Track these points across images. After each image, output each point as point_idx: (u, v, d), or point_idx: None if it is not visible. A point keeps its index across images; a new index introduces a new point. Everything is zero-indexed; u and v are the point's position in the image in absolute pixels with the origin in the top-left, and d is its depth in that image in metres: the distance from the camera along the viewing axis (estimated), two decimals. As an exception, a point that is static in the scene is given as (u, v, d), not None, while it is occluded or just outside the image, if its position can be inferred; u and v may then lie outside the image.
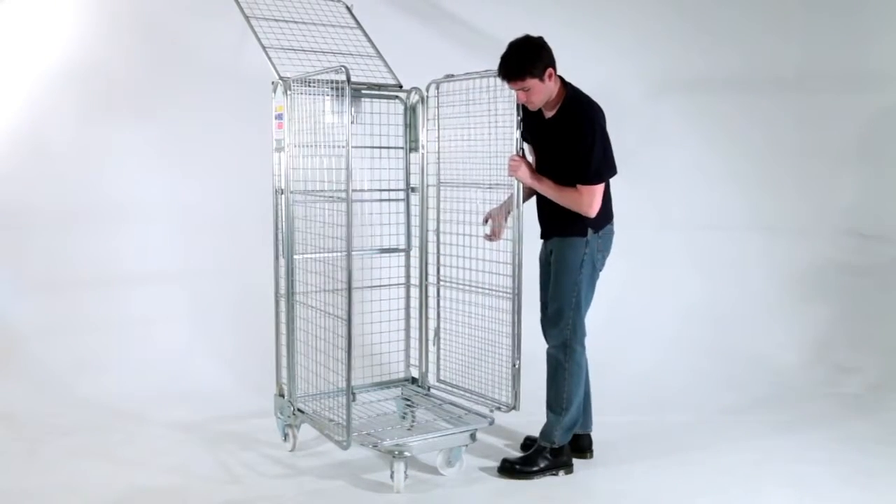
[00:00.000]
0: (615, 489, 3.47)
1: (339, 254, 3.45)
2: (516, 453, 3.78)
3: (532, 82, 3.35)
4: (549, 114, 3.51)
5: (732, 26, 5.49)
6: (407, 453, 3.38)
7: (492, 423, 3.68)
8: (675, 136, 5.50)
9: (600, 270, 3.61)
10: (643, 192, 5.28)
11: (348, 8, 4.09)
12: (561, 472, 3.57)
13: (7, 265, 4.81)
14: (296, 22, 3.83)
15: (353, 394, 3.76)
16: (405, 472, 3.40)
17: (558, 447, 3.59)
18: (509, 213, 3.63)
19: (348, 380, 3.32)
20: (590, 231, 3.50)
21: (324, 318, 3.57)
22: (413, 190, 4.07)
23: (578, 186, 3.43)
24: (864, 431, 4.16)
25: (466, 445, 3.57)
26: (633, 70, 5.41)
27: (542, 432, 3.62)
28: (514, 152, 3.50)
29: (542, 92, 3.40)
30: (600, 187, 3.43)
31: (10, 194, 4.81)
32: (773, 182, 5.50)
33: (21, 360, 4.64)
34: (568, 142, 3.42)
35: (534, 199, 3.68)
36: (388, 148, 3.97)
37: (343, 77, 3.23)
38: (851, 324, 5.26)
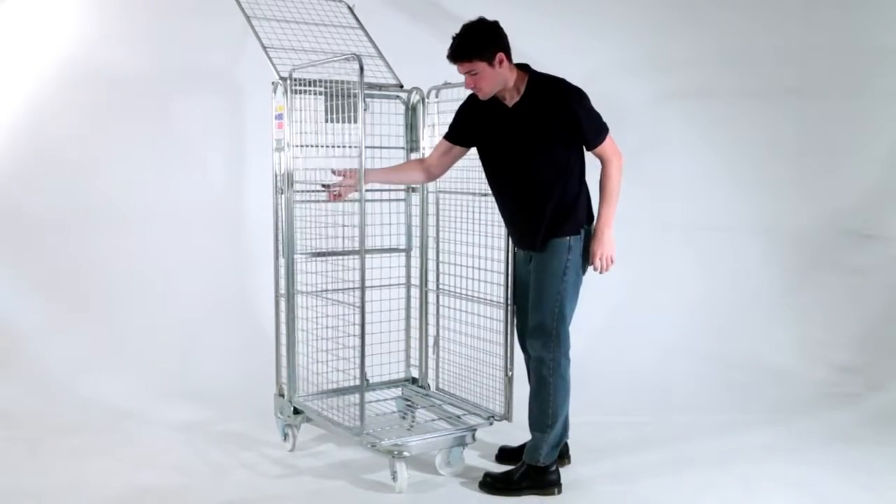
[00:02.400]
0: (615, 489, 3.47)
1: (340, 257, 3.45)
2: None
3: (480, 66, 3.18)
4: (512, 101, 3.31)
5: (733, 28, 5.48)
6: (407, 453, 3.38)
7: (491, 423, 3.68)
8: (676, 138, 5.50)
9: (584, 274, 3.41)
10: (644, 193, 5.26)
11: (350, 8, 4.09)
12: (554, 491, 3.40)
13: (7, 265, 4.81)
14: (297, 22, 3.83)
15: (367, 380, 3.70)
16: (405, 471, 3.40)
17: (543, 466, 3.41)
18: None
19: (362, 367, 3.35)
20: (571, 238, 3.31)
21: (324, 318, 3.57)
22: (413, 190, 4.07)
23: (595, 151, 3.29)
24: (864, 431, 4.16)
25: (466, 445, 3.57)
26: (633, 72, 5.41)
27: (527, 450, 3.45)
28: None
29: (492, 78, 3.22)
30: (610, 138, 3.29)
31: (10, 194, 4.81)
32: (774, 183, 5.49)
33: (21, 360, 4.64)
34: (548, 115, 3.23)
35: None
36: (389, 148, 3.97)
37: (357, 65, 3.19)
38: (851, 324, 5.26)
